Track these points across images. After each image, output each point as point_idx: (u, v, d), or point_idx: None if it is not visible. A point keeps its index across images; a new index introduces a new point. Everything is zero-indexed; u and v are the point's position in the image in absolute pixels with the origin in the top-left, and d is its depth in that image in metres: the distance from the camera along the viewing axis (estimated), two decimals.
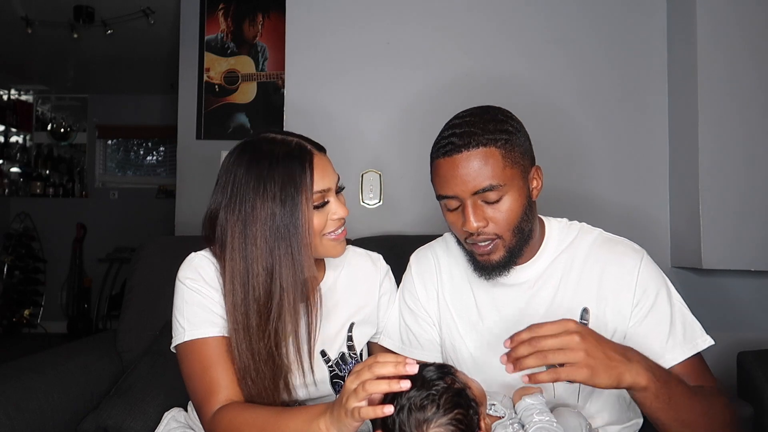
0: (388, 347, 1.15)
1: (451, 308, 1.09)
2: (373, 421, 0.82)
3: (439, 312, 1.11)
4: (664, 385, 0.81)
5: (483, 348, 1.05)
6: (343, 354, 1.09)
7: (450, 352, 1.09)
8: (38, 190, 5.18)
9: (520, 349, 0.78)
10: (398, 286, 1.20)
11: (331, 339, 1.09)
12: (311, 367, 1.01)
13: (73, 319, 4.67)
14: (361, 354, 1.12)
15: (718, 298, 1.83)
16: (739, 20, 1.70)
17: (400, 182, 1.87)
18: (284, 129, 1.85)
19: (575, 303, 0.99)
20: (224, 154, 1.06)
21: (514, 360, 0.78)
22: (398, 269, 1.21)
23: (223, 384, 0.96)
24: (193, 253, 1.06)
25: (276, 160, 0.96)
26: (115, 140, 5.47)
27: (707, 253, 1.66)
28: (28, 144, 5.41)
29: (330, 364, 1.07)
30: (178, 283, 1.04)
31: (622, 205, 1.84)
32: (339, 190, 1.05)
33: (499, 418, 0.88)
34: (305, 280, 0.97)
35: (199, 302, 1.01)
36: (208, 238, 1.03)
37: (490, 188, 0.92)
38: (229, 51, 2.99)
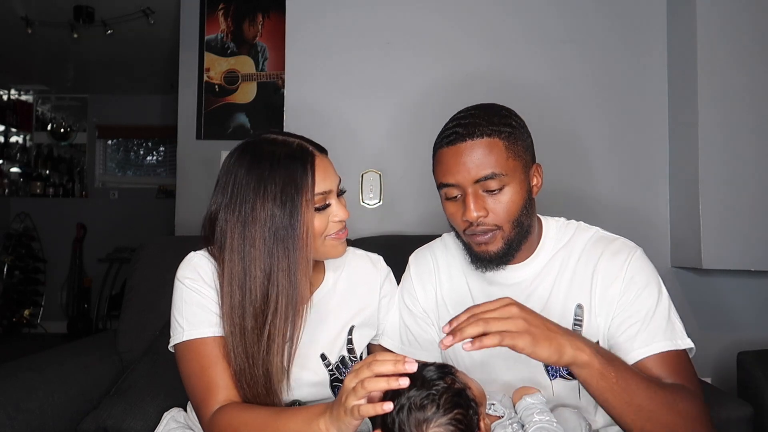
0: (388, 347, 1.15)
1: (449, 308, 1.10)
2: (373, 421, 0.82)
3: (437, 312, 1.11)
4: (610, 364, 0.80)
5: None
6: (344, 357, 1.08)
7: (449, 351, 1.09)
8: (38, 190, 5.18)
9: (460, 318, 0.78)
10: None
11: (330, 342, 1.08)
12: (288, 375, 0.99)
13: (73, 319, 4.67)
14: (361, 357, 1.12)
15: (719, 298, 1.83)
16: (739, 20, 1.70)
17: (400, 182, 1.87)
18: (284, 129, 1.85)
19: (569, 300, 0.99)
20: (224, 154, 1.06)
21: (454, 331, 0.77)
22: (398, 269, 1.21)
23: (221, 384, 0.95)
24: (192, 253, 1.05)
25: (277, 161, 0.95)
26: (115, 140, 5.47)
27: (707, 253, 1.66)
28: (28, 144, 5.41)
29: (330, 367, 1.07)
30: (177, 283, 1.03)
31: (622, 205, 1.84)
32: (340, 193, 1.04)
33: (499, 417, 0.88)
34: (299, 284, 0.96)
35: (198, 302, 1.00)
36: (207, 238, 1.03)
37: (492, 176, 0.93)
38: (229, 51, 2.99)
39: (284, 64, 1.90)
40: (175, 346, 1.02)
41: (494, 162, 0.93)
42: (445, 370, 0.79)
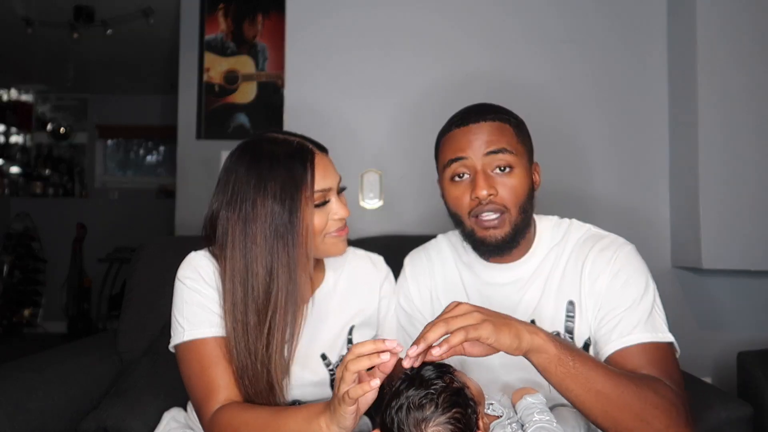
0: None
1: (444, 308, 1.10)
2: (373, 420, 0.83)
3: (433, 312, 1.12)
4: (565, 348, 0.80)
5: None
6: (344, 357, 1.08)
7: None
8: (38, 190, 5.18)
9: (421, 333, 0.77)
10: None
11: (331, 342, 1.08)
12: (288, 372, 1.00)
13: (73, 319, 4.67)
14: None
15: (719, 298, 1.83)
16: (739, 20, 1.70)
17: (400, 182, 1.87)
18: (284, 129, 1.85)
19: (561, 297, 1.00)
20: (224, 154, 1.06)
21: (418, 340, 0.76)
22: (398, 270, 1.21)
23: (222, 384, 0.96)
24: (192, 253, 1.05)
25: (277, 159, 0.96)
26: (115, 140, 5.47)
27: (707, 253, 1.66)
28: (28, 144, 5.41)
29: (330, 367, 1.07)
30: (177, 283, 1.04)
31: (622, 205, 1.84)
32: (340, 191, 1.05)
33: (497, 417, 0.88)
34: (298, 281, 0.96)
35: (199, 302, 1.00)
36: (209, 237, 1.03)
37: (504, 151, 0.95)
38: (229, 51, 2.99)
39: (284, 64, 1.90)
40: (175, 346, 1.02)
41: (506, 140, 0.96)
42: (443, 369, 0.80)
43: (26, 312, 4.83)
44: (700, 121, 1.69)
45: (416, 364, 0.77)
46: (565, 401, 0.97)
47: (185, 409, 1.18)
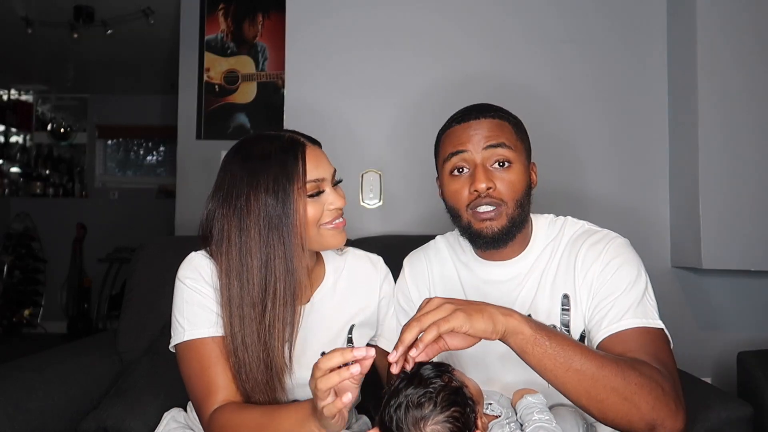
0: (386, 349, 1.16)
1: None
2: (372, 418, 0.83)
3: None
4: (540, 329, 0.80)
5: (476, 345, 1.05)
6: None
7: (445, 352, 1.10)
8: (38, 190, 5.18)
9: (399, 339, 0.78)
10: None
11: (331, 341, 1.09)
12: (290, 368, 1.00)
13: (73, 319, 4.67)
14: None
15: (718, 298, 1.83)
16: (739, 20, 1.70)
17: (400, 182, 1.87)
18: (284, 129, 1.86)
19: (556, 291, 1.01)
20: (224, 154, 1.07)
21: (397, 346, 0.77)
22: (398, 270, 1.21)
23: (221, 384, 0.96)
24: (193, 253, 1.06)
25: (269, 154, 0.98)
26: (115, 140, 5.47)
27: (707, 253, 1.66)
28: (28, 144, 5.41)
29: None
30: (177, 283, 1.04)
31: (622, 205, 1.84)
32: (336, 183, 1.05)
33: (496, 417, 0.88)
34: (295, 270, 0.97)
35: (199, 302, 1.01)
36: (206, 237, 1.03)
37: (503, 145, 0.97)
38: (229, 51, 2.99)
39: (284, 64, 1.90)
40: (175, 346, 1.02)
41: (505, 136, 0.99)
42: (442, 368, 0.80)
43: (26, 312, 4.83)
44: (700, 121, 1.69)
45: (408, 367, 0.77)
46: (564, 401, 0.98)
47: (185, 410, 1.18)
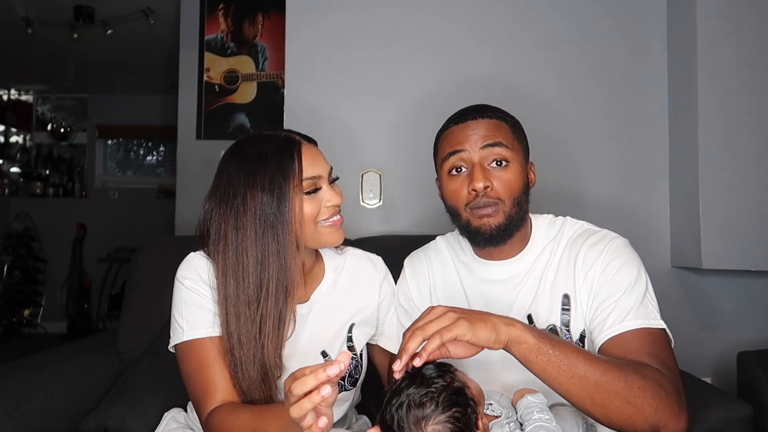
0: (387, 348, 1.17)
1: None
2: (372, 418, 0.83)
3: None
4: (543, 337, 0.80)
5: None
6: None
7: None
8: (38, 190, 5.17)
9: (401, 346, 0.78)
10: None
11: (330, 339, 1.09)
12: (281, 365, 1.00)
13: (73, 319, 4.67)
14: (361, 354, 1.13)
15: (718, 298, 1.83)
16: (739, 20, 1.70)
17: (400, 182, 1.87)
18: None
19: (556, 290, 1.01)
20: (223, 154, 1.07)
21: (400, 355, 0.77)
22: (398, 270, 1.21)
23: (219, 385, 0.97)
24: (191, 253, 1.06)
25: (265, 154, 0.98)
26: (115, 140, 5.47)
27: (707, 253, 1.66)
28: (28, 144, 5.41)
29: None
30: (176, 283, 1.04)
31: (622, 205, 1.84)
32: (333, 181, 1.05)
33: (496, 417, 0.88)
34: (288, 268, 0.97)
35: (198, 302, 1.01)
36: (203, 237, 1.03)
37: (500, 144, 0.98)
38: (229, 51, 2.99)
39: (284, 64, 1.90)
40: (175, 346, 1.03)
41: (502, 136, 1.00)
42: (444, 368, 0.80)
43: (26, 312, 4.83)
44: (700, 121, 1.69)
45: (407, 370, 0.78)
46: (564, 401, 0.98)
47: (185, 410, 1.18)
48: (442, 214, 1.08)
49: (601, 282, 0.96)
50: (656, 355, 0.87)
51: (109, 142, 5.46)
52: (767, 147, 1.67)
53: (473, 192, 0.98)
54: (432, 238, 1.22)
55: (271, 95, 2.95)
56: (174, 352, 1.04)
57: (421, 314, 0.81)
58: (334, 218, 1.03)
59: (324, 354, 1.08)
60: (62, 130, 5.28)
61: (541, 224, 1.08)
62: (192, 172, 2.97)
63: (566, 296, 1.00)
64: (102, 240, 4.81)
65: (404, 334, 0.80)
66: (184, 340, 1.00)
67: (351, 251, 1.19)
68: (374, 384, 1.23)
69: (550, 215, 1.11)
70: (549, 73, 1.87)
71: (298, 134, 1.05)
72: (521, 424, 0.87)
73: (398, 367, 0.76)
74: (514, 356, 0.81)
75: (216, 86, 2.98)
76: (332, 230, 1.03)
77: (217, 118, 2.97)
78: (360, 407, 1.28)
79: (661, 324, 0.92)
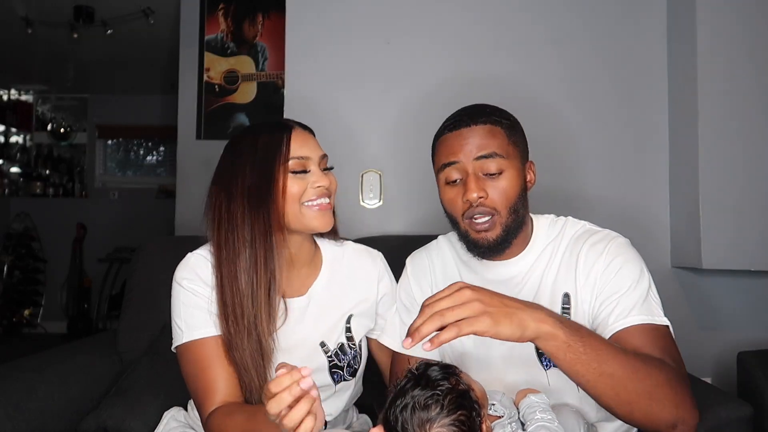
0: (388, 346, 1.17)
1: None
2: (373, 418, 0.83)
3: None
4: (574, 333, 0.78)
5: (478, 344, 1.06)
6: (342, 344, 1.11)
7: (446, 349, 1.10)
8: (38, 190, 5.17)
9: (416, 321, 0.76)
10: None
11: (329, 330, 1.10)
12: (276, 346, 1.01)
13: (73, 319, 4.67)
14: (360, 344, 1.14)
15: (718, 298, 1.83)
16: (739, 20, 1.70)
17: (400, 182, 1.87)
18: None
19: (557, 289, 1.01)
20: None
21: (412, 333, 0.75)
22: (398, 270, 1.21)
23: (218, 386, 0.98)
24: (189, 253, 1.07)
25: (258, 134, 1.02)
26: (115, 140, 5.47)
27: (707, 253, 1.66)
28: (28, 144, 5.41)
29: (329, 354, 1.09)
30: (174, 284, 1.05)
31: (622, 205, 1.84)
32: (326, 168, 1.06)
33: (498, 417, 0.88)
34: (275, 242, 0.97)
35: (196, 303, 1.02)
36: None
37: (493, 155, 0.97)
38: (229, 51, 2.98)
39: (284, 64, 1.90)
40: (176, 347, 1.03)
41: (496, 144, 0.98)
42: (449, 370, 0.80)
43: (26, 312, 4.83)
44: (700, 121, 1.69)
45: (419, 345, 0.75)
46: (566, 401, 0.98)
47: (185, 409, 1.18)
48: (442, 215, 1.08)
49: (604, 280, 0.96)
50: (667, 351, 0.87)
51: (109, 142, 5.46)
52: (767, 147, 1.67)
53: (467, 202, 0.98)
54: (432, 238, 1.22)
55: (271, 95, 2.95)
56: (176, 353, 1.05)
57: (445, 289, 0.79)
58: (321, 201, 1.02)
59: (323, 344, 1.09)
60: (62, 130, 5.28)
61: (542, 224, 1.08)
62: (192, 172, 2.97)
63: (566, 295, 1.00)
64: (102, 240, 4.81)
65: (423, 306, 0.77)
66: (183, 341, 1.01)
67: (351, 245, 1.20)
68: (372, 382, 1.23)
69: (552, 215, 1.11)
70: (549, 73, 1.87)
71: (294, 121, 1.06)
72: (523, 424, 0.87)
73: (408, 344, 0.74)
74: (542, 349, 0.80)
75: (216, 86, 2.98)
76: (317, 214, 1.01)
77: (217, 118, 2.97)
78: (361, 406, 1.28)
79: (665, 321, 0.92)
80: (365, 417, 1.25)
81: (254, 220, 0.97)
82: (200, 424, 1.01)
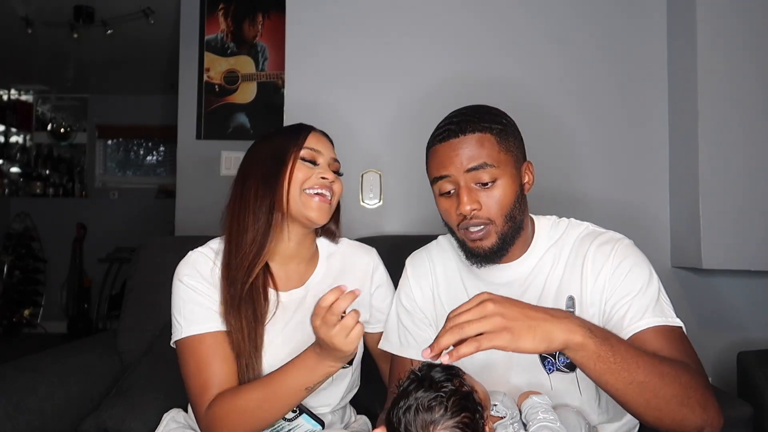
0: (387, 350, 1.16)
1: (446, 308, 1.10)
2: (371, 416, 0.82)
3: (435, 312, 1.12)
4: (604, 342, 0.77)
5: None
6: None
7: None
8: (38, 190, 5.18)
9: (440, 332, 0.77)
10: (396, 287, 1.21)
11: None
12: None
13: (73, 319, 4.67)
14: None
15: (719, 298, 1.83)
16: (739, 20, 1.70)
17: (400, 182, 1.87)
18: None
19: (561, 293, 1.00)
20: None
21: (432, 344, 0.75)
22: (398, 270, 1.21)
23: (216, 382, 1.00)
24: (191, 251, 1.10)
25: (280, 131, 1.15)
26: (115, 140, 5.47)
27: (707, 253, 1.66)
28: (28, 144, 5.41)
29: None
30: (175, 281, 1.07)
31: (622, 205, 1.84)
32: (338, 173, 1.14)
33: (500, 418, 0.88)
34: (274, 221, 1.05)
35: (195, 299, 1.04)
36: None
37: (484, 166, 0.95)
38: (229, 51, 2.98)
39: (284, 64, 1.90)
40: (175, 342, 1.06)
41: (486, 154, 0.96)
42: (453, 371, 0.79)
43: (26, 312, 4.83)
44: (700, 121, 1.69)
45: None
46: (568, 402, 0.98)
47: (185, 410, 1.18)
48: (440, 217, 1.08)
49: (613, 283, 0.95)
50: (686, 353, 0.87)
51: (109, 142, 5.46)
52: (767, 147, 1.67)
53: (461, 215, 0.97)
54: (432, 237, 1.22)
55: (271, 95, 2.95)
56: (175, 348, 1.06)
57: (470, 300, 0.79)
58: (321, 191, 1.07)
59: None
60: (62, 130, 5.28)
61: (544, 225, 1.07)
62: (192, 172, 2.97)
63: (571, 298, 0.99)
64: (102, 240, 4.81)
65: (447, 318, 0.78)
66: (182, 336, 1.03)
67: (346, 241, 1.24)
68: (369, 381, 1.23)
69: (554, 216, 1.10)
70: (549, 73, 1.87)
71: (317, 128, 1.16)
72: (525, 425, 0.87)
73: (427, 355, 0.75)
74: (570, 359, 0.79)
75: (216, 86, 2.98)
76: (316, 204, 1.07)
77: (217, 118, 2.97)
78: (360, 406, 1.28)
79: (678, 322, 0.92)
80: (364, 418, 1.25)
81: (263, 200, 1.05)
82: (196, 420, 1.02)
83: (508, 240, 0.99)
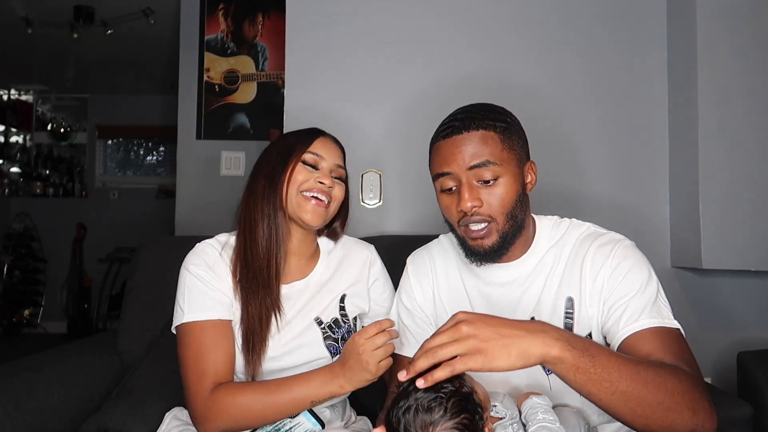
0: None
1: (446, 308, 1.10)
2: (371, 416, 0.82)
3: (435, 311, 1.12)
4: (584, 353, 0.76)
5: None
6: (336, 319, 1.17)
7: None
8: (38, 190, 5.18)
9: (415, 355, 0.78)
10: (396, 287, 1.22)
11: (324, 308, 1.17)
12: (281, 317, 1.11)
13: (73, 319, 4.67)
14: (353, 321, 1.20)
15: (719, 298, 1.83)
16: (739, 20, 1.70)
17: (400, 182, 1.87)
18: (284, 129, 1.86)
19: (560, 293, 1.00)
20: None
21: (408, 367, 0.77)
22: (397, 269, 1.21)
23: (215, 369, 1.02)
24: (198, 243, 1.14)
25: (292, 133, 1.19)
26: (115, 140, 5.47)
27: (707, 253, 1.66)
28: (28, 144, 5.41)
29: (323, 326, 1.15)
30: (182, 270, 1.10)
31: (622, 205, 1.84)
32: (341, 180, 1.16)
33: (500, 419, 0.88)
34: (280, 226, 1.09)
35: (200, 288, 1.07)
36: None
37: (486, 164, 0.95)
38: (229, 51, 2.98)
39: (284, 64, 1.90)
40: (176, 328, 1.08)
41: (489, 152, 0.96)
42: None
43: (26, 312, 4.83)
44: (700, 121, 1.69)
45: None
46: (567, 402, 0.98)
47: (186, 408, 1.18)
48: (441, 214, 1.08)
49: (612, 284, 0.95)
50: (680, 356, 0.86)
51: (109, 142, 5.46)
52: (767, 147, 1.67)
53: (461, 212, 0.97)
54: (432, 237, 1.22)
55: (272, 95, 2.95)
56: (176, 333, 1.08)
57: (446, 323, 0.79)
58: (317, 195, 1.10)
59: (317, 319, 1.15)
60: (62, 130, 5.28)
61: (545, 225, 1.07)
62: (192, 172, 2.97)
63: (570, 299, 0.99)
64: (102, 240, 4.81)
65: (423, 344, 0.79)
66: (184, 321, 1.05)
67: (345, 237, 1.28)
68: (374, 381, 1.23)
69: (556, 217, 1.10)
70: (549, 74, 1.87)
71: (329, 133, 1.19)
72: (524, 425, 0.87)
73: (403, 377, 0.77)
74: (551, 371, 0.79)
75: (216, 86, 2.98)
76: (311, 207, 1.10)
77: (217, 118, 2.97)
78: (359, 406, 1.28)
79: (675, 324, 0.92)
80: (365, 419, 1.25)
81: (269, 199, 1.09)
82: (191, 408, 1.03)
83: (508, 239, 0.99)
